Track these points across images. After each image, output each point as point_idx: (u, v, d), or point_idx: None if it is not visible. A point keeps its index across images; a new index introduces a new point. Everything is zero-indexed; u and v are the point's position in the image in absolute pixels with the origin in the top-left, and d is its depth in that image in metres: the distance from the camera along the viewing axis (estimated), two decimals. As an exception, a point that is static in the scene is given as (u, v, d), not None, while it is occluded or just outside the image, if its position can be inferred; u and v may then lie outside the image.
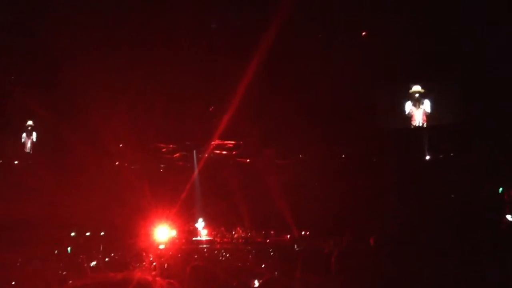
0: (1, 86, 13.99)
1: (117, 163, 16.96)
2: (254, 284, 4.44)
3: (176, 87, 14.19)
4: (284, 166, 16.61)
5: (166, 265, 10.55)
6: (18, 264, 11.63)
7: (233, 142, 17.02)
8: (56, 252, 13.40)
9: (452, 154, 15.26)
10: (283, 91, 13.81)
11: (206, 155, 17.05)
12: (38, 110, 15.06)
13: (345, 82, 13.47)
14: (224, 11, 13.20)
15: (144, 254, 12.74)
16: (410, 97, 14.97)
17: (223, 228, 15.88)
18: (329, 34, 13.31)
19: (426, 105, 14.87)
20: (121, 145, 16.02)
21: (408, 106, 14.98)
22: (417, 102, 14.91)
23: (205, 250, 14.50)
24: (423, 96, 14.92)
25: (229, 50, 13.28)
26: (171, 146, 17.25)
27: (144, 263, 11.57)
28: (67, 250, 13.93)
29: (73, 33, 12.45)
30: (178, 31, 12.97)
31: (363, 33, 13.17)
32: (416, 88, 14.92)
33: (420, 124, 14.93)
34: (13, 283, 9.65)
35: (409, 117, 14.99)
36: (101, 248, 13.80)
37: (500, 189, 13.56)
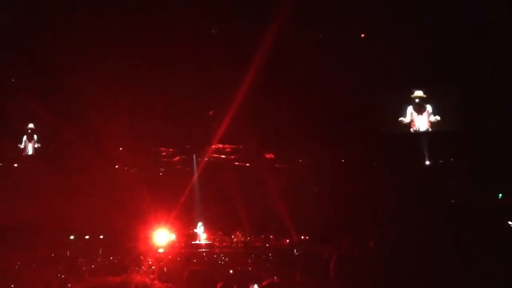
0: (2, 88, 14.00)
1: (116, 167, 16.96)
2: (254, 288, 4.44)
3: (176, 91, 14.21)
4: (284, 170, 16.60)
5: (165, 269, 10.53)
6: (16, 267, 11.62)
7: (232, 146, 17.02)
8: (54, 255, 13.39)
9: (452, 159, 15.24)
10: (283, 95, 13.83)
11: (206, 159, 17.04)
12: (38, 113, 15.08)
13: (346, 87, 13.48)
14: (223, 16, 13.22)
15: (143, 257, 12.73)
16: (412, 102, 14.98)
17: (222, 232, 15.85)
18: (331, 38, 13.32)
19: (428, 110, 14.87)
20: (121, 149, 16.03)
21: (409, 111, 14.98)
22: (418, 107, 14.91)
23: (204, 254, 14.47)
24: (424, 101, 14.92)
25: (229, 54, 13.30)
26: (171, 150, 17.26)
27: (143, 267, 11.55)
28: (66, 254, 13.91)
29: (74, 37, 12.47)
30: (178, 36, 13.00)
31: (363, 35, 13.17)
32: (418, 93, 14.93)
33: (421, 129, 14.93)
34: (12, 286, 9.63)
35: (410, 122, 14.99)
36: (100, 251, 13.78)
37: (500, 195, 13.56)
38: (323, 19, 12.43)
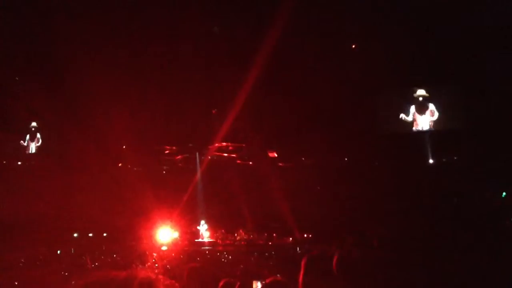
0: (5, 87, 14.04)
1: (120, 165, 17.00)
2: (257, 286, 4.45)
3: (179, 89, 14.21)
4: (287, 169, 16.61)
5: (168, 266, 10.57)
6: (21, 264, 11.67)
7: (235, 144, 17.03)
8: (59, 253, 13.44)
9: (455, 158, 15.22)
10: (286, 94, 13.82)
11: (209, 157, 17.06)
12: (41, 112, 15.12)
13: (348, 86, 13.46)
14: (226, 14, 13.22)
15: (146, 255, 12.77)
16: (414, 101, 14.96)
17: (225, 230, 15.87)
18: (333, 37, 13.30)
19: (430, 109, 14.85)
20: (124, 147, 16.06)
21: (412, 110, 14.96)
22: (421, 106, 14.89)
23: (207, 252, 14.50)
24: (427, 100, 14.90)
25: (233, 53, 13.30)
26: (174, 148, 17.28)
27: (146, 264, 11.59)
28: (70, 251, 13.96)
29: (77, 35, 12.49)
30: (181, 34, 13.00)
31: (363, 36, 13.14)
32: (420, 92, 14.91)
33: (424, 128, 14.91)
34: (16, 283, 9.69)
35: (413, 121, 14.97)
36: (103, 249, 13.84)
37: (504, 194, 13.54)
38: (326, 18, 12.40)
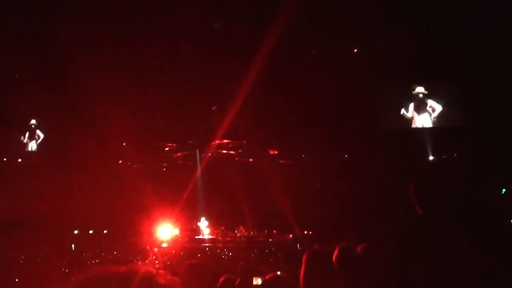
0: (5, 84, 14.03)
1: (120, 162, 17.00)
2: (257, 282, 4.45)
3: (179, 87, 14.21)
4: (287, 165, 16.61)
5: (168, 262, 10.59)
6: (21, 261, 11.68)
7: (236, 141, 17.03)
8: (59, 250, 13.45)
9: (455, 155, 15.21)
10: (287, 91, 13.81)
11: (209, 154, 17.06)
12: (41, 109, 15.11)
13: (348, 83, 13.45)
14: (227, 12, 13.20)
15: (146, 252, 12.79)
16: (413, 98, 14.95)
17: (225, 227, 15.88)
18: (333, 35, 13.29)
19: (429, 106, 14.84)
20: (124, 144, 16.05)
21: (411, 107, 14.95)
22: (420, 103, 14.88)
23: (207, 248, 14.52)
24: (426, 97, 14.89)
25: (233, 50, 13.29)
26: (174, 145, 17.28)
27: (146, 261, 11.61)
28: (71, 248, 13.98)
29: (77, 33, 12.47)
30: (181, 32, 12.98)
31: (363, 34, 13.12)
32: (419, 89, 14.89)
33: (423, 125, 14.90)
34: (16, 280, 9.70)
35: (412, 118, 14.97)
36: (104, 245, 13.85)
37: (503, 190, 13.53)
38: (327, 16, 12.39)
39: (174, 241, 14.74)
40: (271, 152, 16.74)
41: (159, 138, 16.68)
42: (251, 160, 17.34)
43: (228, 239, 15.47)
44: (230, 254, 13.41)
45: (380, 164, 15.48)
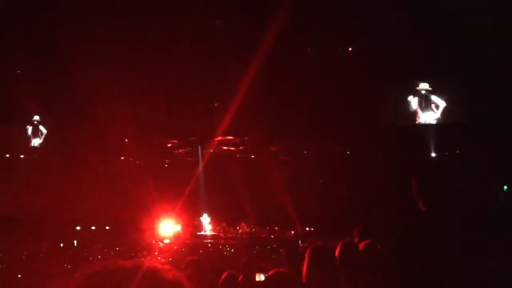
0: (8, 80, 14.04)
1: (122, 158, 17.01)
2: (260, 278, 4.45)
3: (181, 83, 14.20)
4: (289, 162, 16.61)
5: (170, 259, 10.59)
6: (24, 257, 11.72)
7: (238, 138, 17.02)
8: (61, 245, 13.49)
9: (458, 151, 15.18)
10: (289, 87, 13.79)
11: (211, 150, 17.07)
12: (44, 105, 15.12)
13: (351, 79, 13.42)
14: (229, 8, 13.16)
15: (148, 248, 12.81)
16: (417, 94, 14.91)
17: (227, 224, 15.91)
18: (336, 30, 13.24)
19: (433, 102, 14.80)
20: (126, 141, 16.06)
21: (415, 103, 14.91)
22: (424, 100, 14.84)
23: (209, 245, 14.54)
24: (430, 93, 14.85)
25: (235, 46, 13.26)
26: (176, 141, 17.29)
27: (148, 257, 11.62)
28: (73, 244, 14.02)
29: (79, 29, 12.46)
30: (183, 27, 12.95)
31: (367, 30, 13.07)
32: (424, 85, 14.85)
33: (426, 122, 14.87)
34: (19, 276, 9.73)
35: (415, 115, 14.93)
36: (106, 241, 13.88)
37: (505, 187, 13.50)
38: (330, 11, 12.34)
39: (176, 237, 14.77)
40: (273, 148, 16.74)
41: (161, 135, 16.69)
42: (253, 156, 17.35)
43: (229, 235, 15.50)
44: (232, 250, 13.43)
45: (383, 160, 15.46)
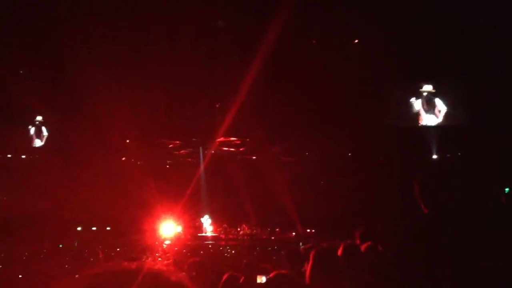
0: (10, 81, 14.05)
1: (124, 159, 17.02)
2: (262, 280, 4.44)
3: (182, 84, 14.20)
4: (290, 163, 16.60)
5: (171, 260, 10.58)
6: (24, 258, 11.70)
7: (239, 139, 17.02)
8: (62, 246, 13.47)
9: (460, 153, 15.16)
10: (290, 88, 13.78)
11: (212, 151, 17.06)
12: (45, 106, 15.13)
13: (353, 80, 13.40)
14: (230, 8, 13.16)
15: (149, 249, 12.79)
16: (421, 96, 14.88)
17: (228, 225, 15.89)
18: (338, 30, 13.23)
19: (437, 104, 14.78)
20: (128, 141, 16.07)
21: (418, 105, 14.89)
22: (427, 102, 14.82)
23: (210, 246, 14.53)
24: (433, 95, 14.83)
25: (236, 47, 13.26)
26: (177, 142, 17.29)
27: (150, 259, 11.61)
28: (74, 245, 14.00)
29: (81, 30, 12.47)
30: (184, 28, 12.95)
31: (369, 29, 13.05)
32: (427, 87, 14.83)
33: (430, 123, 14.84)
34: (19, 276, 9.71)
35: (419, 116, 14.90)
36: (107, 242, 13.86)
37: (507, 189, 13.47)
38: (332, 9, 12.32)
39: (177, 239, 14.76)
40: (274, 149, 16.73)
41: (162, 136, 16.69)
42: (254, 157, 17.34)
43: (231, 236, 15.49)
44: (233, 252, 13.41)
45: (385, 162, 15.45)
